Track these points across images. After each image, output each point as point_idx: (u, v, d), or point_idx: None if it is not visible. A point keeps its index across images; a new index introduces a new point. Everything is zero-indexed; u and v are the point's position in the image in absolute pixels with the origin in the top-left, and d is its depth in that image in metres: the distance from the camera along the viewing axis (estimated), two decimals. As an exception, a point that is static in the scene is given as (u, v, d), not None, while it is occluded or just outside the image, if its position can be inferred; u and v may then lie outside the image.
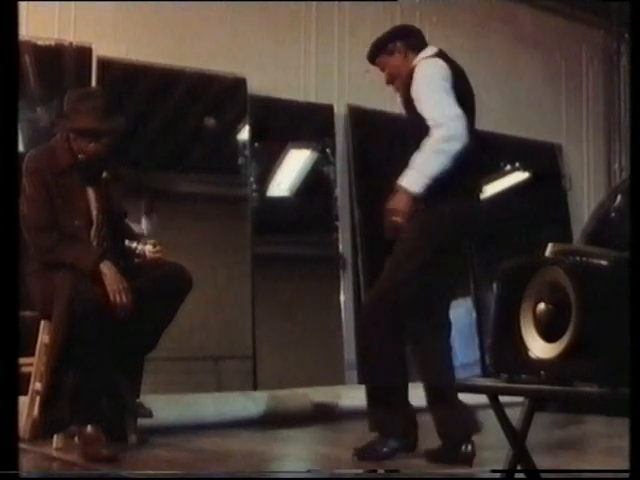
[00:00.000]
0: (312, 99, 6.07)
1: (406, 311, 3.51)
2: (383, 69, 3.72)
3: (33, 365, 3.83)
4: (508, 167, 7.07)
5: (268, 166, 5.81)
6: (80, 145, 3.70)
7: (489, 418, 2.58)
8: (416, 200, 3.38)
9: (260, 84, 5.67)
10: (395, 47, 3.66)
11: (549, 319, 2.23)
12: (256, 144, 5.65)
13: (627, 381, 1.98)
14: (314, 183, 6.01)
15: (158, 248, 3.85)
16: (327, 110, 6.08)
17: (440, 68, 3.51)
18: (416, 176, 3.37)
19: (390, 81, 3.73)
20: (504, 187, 7.01)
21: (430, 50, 3.64)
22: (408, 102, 3.55)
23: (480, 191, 3.66)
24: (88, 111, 3.68)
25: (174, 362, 4.95)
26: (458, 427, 3.52)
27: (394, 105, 6.39)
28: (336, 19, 6.23)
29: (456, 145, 3.35)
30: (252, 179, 5.66)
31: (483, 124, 6.67)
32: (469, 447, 3.48)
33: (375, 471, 3.37)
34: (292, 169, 5.95)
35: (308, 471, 3.40)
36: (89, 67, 4.99)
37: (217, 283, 5.24)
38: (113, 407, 3.71)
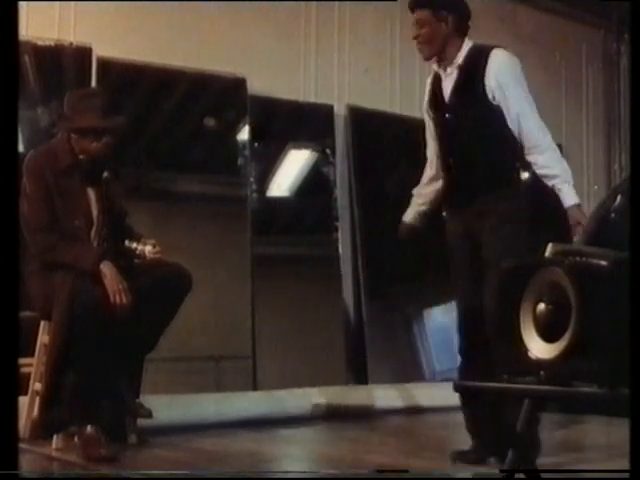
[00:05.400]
0: (312, 99, 6.06)
1: None
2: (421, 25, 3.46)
3: (33, 365, 3.83)
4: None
5: (268, 166, 5.80)
6: (81, 145, 3.71)
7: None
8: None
9: (260, 84, 5.66)
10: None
11: (549, 319, 2.23)
12: (256, 144, 5.65)
13: (627, 381, 1.98)
14: (314, 183, 6.00)
15: (158, 248, 3.85)
16: (327, 110, 6.07)
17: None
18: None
19: (422, 42, 3.49)
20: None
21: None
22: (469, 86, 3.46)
23: None
24: (89, 110, 3.69)
25: (174, 362, 4.94)
26: None
27: (394, 105, 6.43)
28: (336, 19, 6.22)
29: None
30: (252, 179, 5.65)
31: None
32: None
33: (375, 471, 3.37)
34: (292, 169, 5.94)
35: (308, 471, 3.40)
36: (89, 67, 4.98)
37: (217, 283, 5.23)
38: (113, 407, 3.71)
